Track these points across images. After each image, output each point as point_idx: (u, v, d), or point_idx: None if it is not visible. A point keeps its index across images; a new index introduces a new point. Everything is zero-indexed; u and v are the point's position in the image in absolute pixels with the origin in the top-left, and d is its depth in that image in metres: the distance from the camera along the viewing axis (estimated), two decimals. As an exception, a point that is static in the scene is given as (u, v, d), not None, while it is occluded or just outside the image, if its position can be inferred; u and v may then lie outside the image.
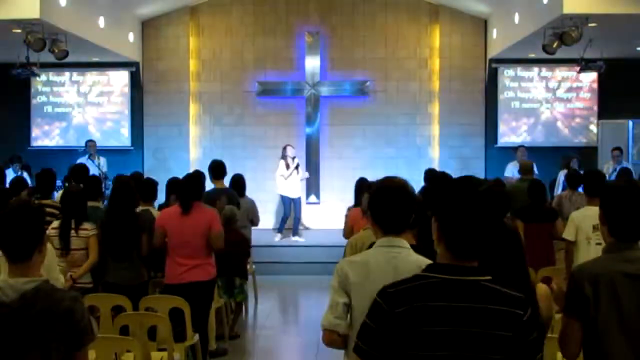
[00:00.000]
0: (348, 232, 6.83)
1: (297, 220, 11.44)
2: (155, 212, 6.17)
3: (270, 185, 12.64)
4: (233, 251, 6.34)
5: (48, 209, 5.91)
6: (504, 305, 1.98)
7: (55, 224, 5.43)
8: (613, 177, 10.24)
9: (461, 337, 1.94)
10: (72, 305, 2.31)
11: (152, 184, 6.44)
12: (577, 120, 13.00)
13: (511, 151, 12.30)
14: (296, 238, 11.24)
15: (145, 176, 8.09)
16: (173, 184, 6.84)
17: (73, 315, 2.31)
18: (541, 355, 2.03)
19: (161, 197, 7.38)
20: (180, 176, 6.25)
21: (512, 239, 2.91)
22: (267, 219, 11.67)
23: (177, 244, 5.41)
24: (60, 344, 2.29)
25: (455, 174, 8.01)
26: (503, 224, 2.94)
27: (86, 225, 5.40)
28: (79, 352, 2.34)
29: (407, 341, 1.95)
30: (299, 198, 11.55)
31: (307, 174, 12.02)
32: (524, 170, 8.56)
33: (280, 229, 11.38)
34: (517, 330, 1.96)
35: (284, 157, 11.43)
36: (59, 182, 9.33)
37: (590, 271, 2.64)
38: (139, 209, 5.88)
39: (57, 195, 7.34)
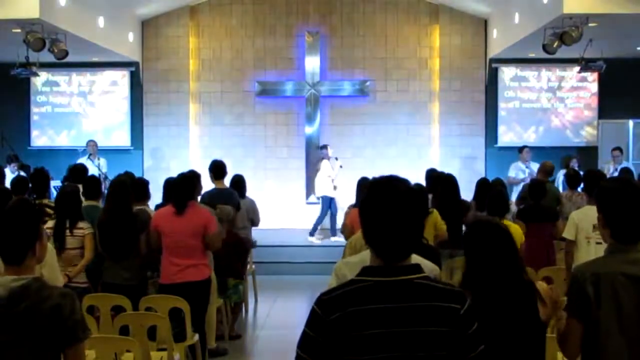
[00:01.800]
0: (347, 231, 6.82)
1: (336, 219, 11.37)
2: (151, 211, 6.14)
3: (270, 184, 12.66)
4: (225, 252, 6.30)
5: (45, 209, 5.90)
6: (439, 301, 1.96)
7: (50, 223, 5.41)
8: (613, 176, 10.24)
9: (399, 337, 1.93)
10: (59, 302, 2.31)
11: (144, 184, 6.41)
12: (577, 120, 12.99)
13: (511, 151, 12.31)
14: (336, 238, 11.00)
15: (144, 176, 8.10)
16: (168, 184, 6.74)
17: (61, 311, 2.30)
18: (483, 347, 2.00)
19: (159, 197, 7.36)
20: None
21: (501, 236, 2.91)
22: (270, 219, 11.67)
23: (171, 244, 5.40)
24: (48, 341, 2.28)
25: (455, 174, 8.00)
26: (492, 224, 2.94)
27: (81, 224, 5.38)
28: (71, 348, 2.33)
29: (345, 347, 1.93)
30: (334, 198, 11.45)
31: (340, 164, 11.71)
32: (548, 171, 8.44)
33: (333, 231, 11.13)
34: (454, 324, 1.95)
35: (325, 157, 11.34)
36: (59, 182, 9.33)
37: (592, 271, 2.63)
38: (134, 208, 5.86)
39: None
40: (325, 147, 11.58)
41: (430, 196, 7.23)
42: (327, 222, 11.40)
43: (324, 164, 11.34)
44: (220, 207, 6.48)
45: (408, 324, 1.93)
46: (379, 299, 1.95)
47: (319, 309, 1.98)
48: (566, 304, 2.71)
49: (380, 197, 2.00)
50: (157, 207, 6.69)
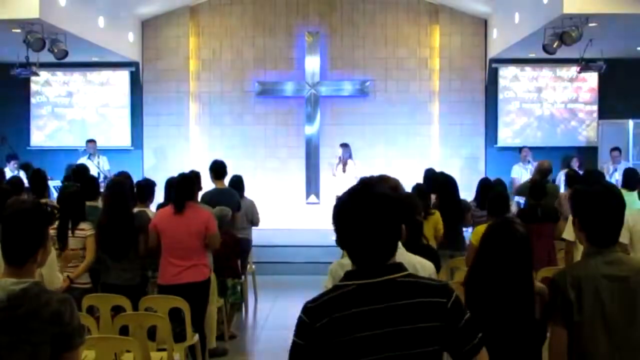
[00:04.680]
0: None
1: None
2: (151, 213, 6.13)
3: (270, 184, 12.66)
4: (223, 252, 6.29)
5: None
6: (425, 297, 1.96)
7: (55, 223, 5.41)
8: (613, 177, 10.24)
9: (387, 337, 1.92)
10: (59, 308, 2.30)
11: (149, 185, 6.39)
12: (577, 120, 12.99)
13: (511, 151, 12.32)
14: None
15: (144, 176, 8.08)
16: (170, 184, 6.73)
17: (61, 317, 2.29)
18: (481, 336, 2.00)
19: (160, 197, 7.36)
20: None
21: (523, 245, 2.90)
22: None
23: (171, 245, 5.39)
24: (46, 345, 2.28)
25: (455, 174, 8.00)
26: (516, 231, 2.93)
27: (83, 225, 5.37)
28: (67, 354, 2.32)
29: (335, 352, 1.93)
30: None
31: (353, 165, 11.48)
32: (544, 171, 8.44)
33: None
34: (442, 318, 1.94)
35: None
36: (59, 182, 9.34)
37: (572, 275, 2.62)
38: (136, 209, 5.85)
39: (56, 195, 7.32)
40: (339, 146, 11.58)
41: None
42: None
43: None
44: (218, 208, 6.48)
45: (395, 323, 1.93)
46: (363, 301, 1.95)
47: (306, 316, 1.98)
48: (547, 312, 2.70)
49: (353, 203, 2.00)
50: (159, 206, 6.69)
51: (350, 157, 11.34)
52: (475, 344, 1.99)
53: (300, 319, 2.00)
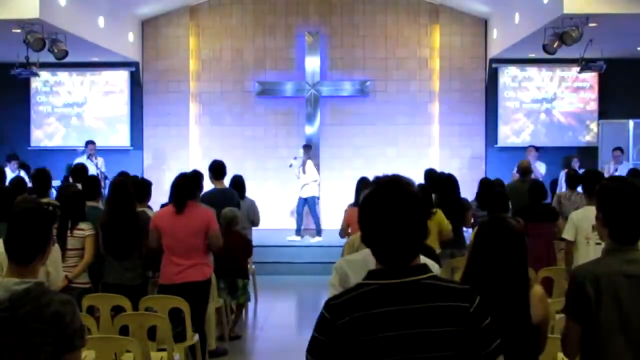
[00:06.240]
0: (344, 230, 6.88)
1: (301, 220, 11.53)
2: (150, 212, 6.13)
3: (270, 185, 12.66)
4: (235, 253, 6.31)
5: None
6: (448, 301, 1.93)
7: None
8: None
9: (408, 339, 1.90)
10: (60, 309, 2.30)
11: (146, 185, 6.40)
12: (577, 120, 12.99)
13: (511, 151, 12.32)
14: (293, 238, 11.27)
15: (144, 176, 8.06)
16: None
17: (62, 318, 2.29)
18: (498, 342, 1.97)
19: (164, 198, 7.35)
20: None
21: (516, 240, 2.89)
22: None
23: (172, 244, 5.39)
24: (47, 346, 2.28)
25: (455, 174, 7.99)
26: (509, 226, 2.92)
27: (82, 225, 5.36)
28: (69, 355, 2.33)
29: (355, 351, 1.91)
30: (310, 198, 11.44)
31: (293, 164, 11.58)
32: (522, 171, 8.52)
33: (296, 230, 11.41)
34: (464, 323, 1.92)
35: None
36: (59, 182, 9.33)
37: (592, 271, 2.63)
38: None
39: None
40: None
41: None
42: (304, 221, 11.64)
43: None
44: (228, 209, 6.54)
45: (417, 326, 1.91)
46: (386, 301, 1.93)
47: (328, 313, 1.96)
48: (564, 304, 2.70)
49: (385, 199, 1.95)
50: (163, 206, 6.69)
51: (309, 158, 11.42)
52: (489, 351, 1.95)
53: (321, 315, 1.98)
